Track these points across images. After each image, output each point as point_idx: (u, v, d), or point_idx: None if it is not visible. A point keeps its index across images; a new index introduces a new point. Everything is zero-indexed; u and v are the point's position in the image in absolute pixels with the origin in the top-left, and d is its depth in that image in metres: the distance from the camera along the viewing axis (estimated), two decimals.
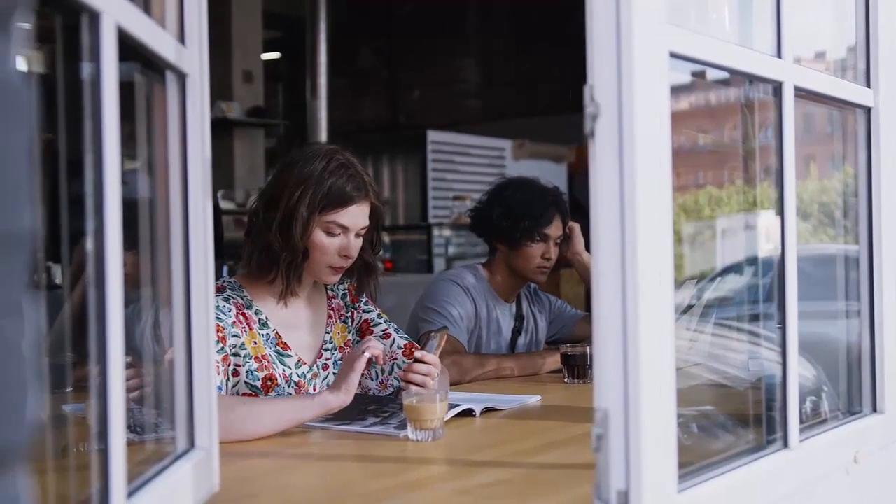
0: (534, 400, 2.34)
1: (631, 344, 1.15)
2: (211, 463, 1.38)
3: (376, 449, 1.80)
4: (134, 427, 1.40)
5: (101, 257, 0.99)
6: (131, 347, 1.12)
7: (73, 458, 1.19)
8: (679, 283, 1.68)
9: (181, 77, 1.33)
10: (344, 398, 1.92)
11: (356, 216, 2.17)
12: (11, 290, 0.60)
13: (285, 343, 2.21)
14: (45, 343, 0.80)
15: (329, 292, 2.37)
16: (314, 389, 2.22)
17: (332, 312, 2.34)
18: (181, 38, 1.33)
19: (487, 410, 2.16)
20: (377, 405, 2.12)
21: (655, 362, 1.17)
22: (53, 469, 1.19)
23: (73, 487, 1.15)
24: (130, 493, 1.07)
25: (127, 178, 1.11)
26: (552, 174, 7.01)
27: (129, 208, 1.09)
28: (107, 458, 0.99)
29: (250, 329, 2.16)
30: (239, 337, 2.12)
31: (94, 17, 0.98)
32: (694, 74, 1.47)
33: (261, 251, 2.17)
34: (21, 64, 0.64)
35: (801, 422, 1.54)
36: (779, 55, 1.50)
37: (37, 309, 0.64)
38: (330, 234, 2.16)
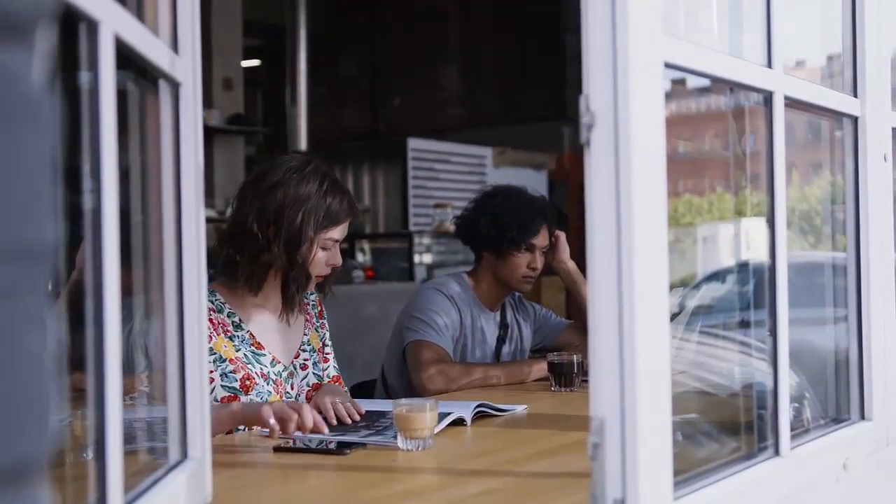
0: (521, 409, 2.34)
1: (627, 352, 1.15)
2: (204, 473, 1.38)
3: (367, 459, 1.80)
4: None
5: (99, 267, 0.98)
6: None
7: (67, 469, 1.18)
8: None
9: (174, 86, 1.32)
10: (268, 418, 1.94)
11: (346, 229, 2.31)
12: (34, 301, 0.60)
13: (259, 343, 2.27)
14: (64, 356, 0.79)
15: (304, 299, 2.43)
16: (292, 388, 2.30)
17: (309, 317, 2.42)
18: (174, 46, 1.32)
19: (480, 415, 2.16)
20: (368, 420, 2.12)
21: (652, 371, 1.17)
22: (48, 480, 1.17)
23: (67, 498, 1.14)
24: None
25: (119, 187, 1.10)
26: (533, 182, 7.01)
27: (121, 217, 1.09)
28: (104, 469, 0.99)
29: (218, 334, 2.21)
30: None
31: (93, 26, 0.97)
32: (674, 82, 1.47)
33: (261, 268, 2.22)
34: (42, 76, 0.63)
35: (791, 430, 1.54)
36: (769, 65, 1.50)
37: (57, 321, 0.64)
38: (324, 248, 2.26)
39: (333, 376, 2.45)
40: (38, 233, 0.61)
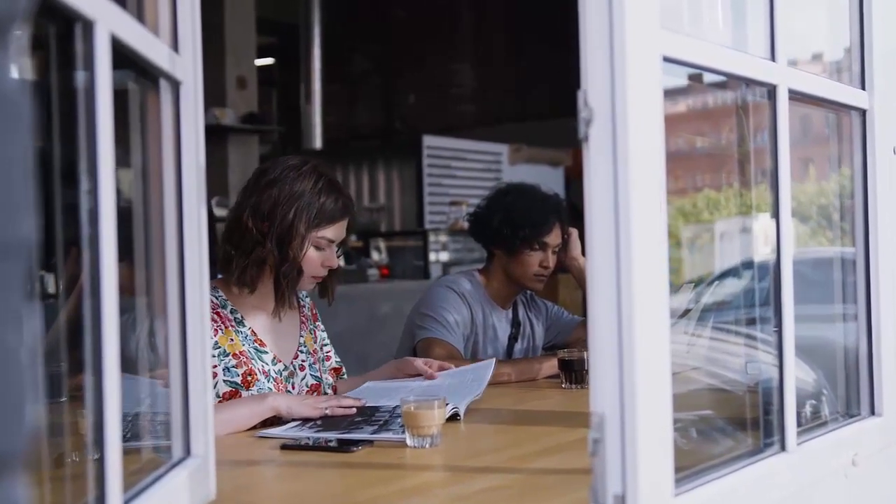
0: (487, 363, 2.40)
1: (627, 348, 1.15)
2: (207, 471, 1.38)
3: (374, 456, 1.80)
4: (127, 436, 1.39)
5: (97, 266, 0.99)
6: (126, 357, 1.12)
7: (68, 468, 1.19)
8: (677, 287, 1.67)
9: (175, 85, 1.32)
10: (289, 409, 2.08)
11: (341, 230, 2.31)
12: (11, 298, 0.60)
13: (262, 340, 2.29)
14: (41, 352, 0.80)
15: (299, 301, 2.46)
16: (293, 388, 2.33)
17: (304, 319, 2.45)
18: (175, 45, 1.33)
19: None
20: (363, 417, 2.10)
21: (651, 366, 1.17)
22: (49, 478, 1.18)
23: (68, 496, 1.15)
24: (127, 502, 1.07)
25: (120, 187, 1.11)
26: (549, 179, 7.01)
27: (123, 217, 1.09)
28: (103, 467, 0.99)
29: (226, 328, 2.24)
30: (212, 336, 2.17)
31: (88, 25, 0.98)
32: (690, 77, 1.47)
33: (254, 264, 2.24)
34: (18, 73, 0.64)
35: (801, 425, 1.54)
36: (772, 58, 1.50)
37: (34, 317, 0.64)
38: (318, 248, 2.28)
39: (335, 367, 2.49)
40: (15, 230, 0.61)
